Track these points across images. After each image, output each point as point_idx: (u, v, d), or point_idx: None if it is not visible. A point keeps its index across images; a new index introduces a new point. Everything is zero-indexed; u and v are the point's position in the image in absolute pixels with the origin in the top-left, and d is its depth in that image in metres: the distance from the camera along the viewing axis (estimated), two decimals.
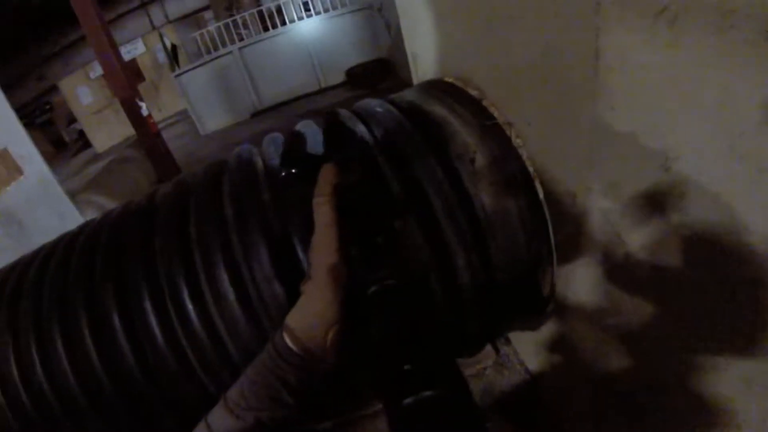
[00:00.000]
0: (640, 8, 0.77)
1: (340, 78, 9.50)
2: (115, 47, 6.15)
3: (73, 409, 1.16)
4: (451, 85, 1.47)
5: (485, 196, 1.14)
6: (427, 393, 0.54)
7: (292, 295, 1.05)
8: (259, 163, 1.29)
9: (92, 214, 4.75)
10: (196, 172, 1.40)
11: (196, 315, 1.11)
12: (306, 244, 1.07)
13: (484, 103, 1.33)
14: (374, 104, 1.35)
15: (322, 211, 0.76)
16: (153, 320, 1.13)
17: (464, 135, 1.20)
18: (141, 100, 6.41)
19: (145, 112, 6.34)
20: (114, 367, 1.14)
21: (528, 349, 1.95)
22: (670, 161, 0.81)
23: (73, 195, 4.44)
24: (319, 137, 1.10)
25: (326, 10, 9.50)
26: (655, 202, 0.89)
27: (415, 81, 2.02)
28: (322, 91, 9.78)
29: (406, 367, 0.57)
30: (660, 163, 0.83)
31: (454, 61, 1.57)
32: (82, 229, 1.42)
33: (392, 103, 1.37)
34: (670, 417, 1.08)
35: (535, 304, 1.35)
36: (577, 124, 1.04)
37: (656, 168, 0.85)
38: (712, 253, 0.79)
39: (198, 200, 1.25)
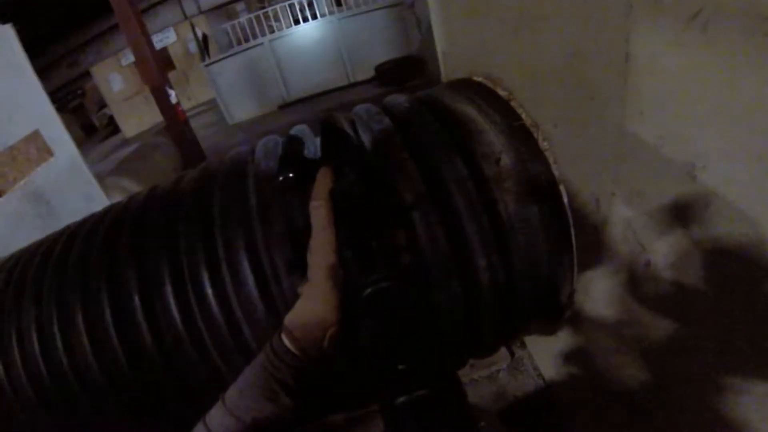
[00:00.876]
0: (672, 12, 0.76)
1: (369, 74, 9.44)
2: (147, 35, 6.20)
3: (91, 386, 1.19)
4: (480, 84, 1.46)
5: (509, 197, 1.14)
6: (420, 392, 0.54)
7: None
8: None
9: (119, 198, 4.75)
10: (222, 159, 1.42)
11: (214, 299, 1.13)
12: None
13: (513, 103, 1.32)
14: (401, 100, 1.35)
15: (319, 215, 0.77)
16: (172, 302, 1.15)
17: (491, 135, 1.20)
18: (170, 87, 6.47)
19: (174, 99, 6.40)
20: (132, 347, 1.16)
21: (543, 354, 1.94)
22: (696, 169, 0.80)
23: (101, 178, 4.50)
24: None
25: (357, 5, 9.53)
26: (680, 211, 0.88)
27: (444, 79, 2.01)
28: (350, 86, 9.78)
29: (400, 366, 0.57)
30: (686, 171, 0.82)
31: (483, 60, 1.56)
32: (107, 211, 1.45)
33: (419, 99, 1.37)
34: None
35: (552, 309, 1.34)
36: (603, 128, 1.03)
37: (682, 176, 0.83)
38: (738, 267, 0.77)
39: (223, 188, 1.27)
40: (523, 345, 2.08)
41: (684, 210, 0.86)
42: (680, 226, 0.88)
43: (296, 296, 1.04)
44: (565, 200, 1.20)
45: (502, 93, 1.36)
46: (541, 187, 1.17)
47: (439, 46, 2.02)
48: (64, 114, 16.88)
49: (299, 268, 1.07)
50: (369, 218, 0.84)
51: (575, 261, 1.25)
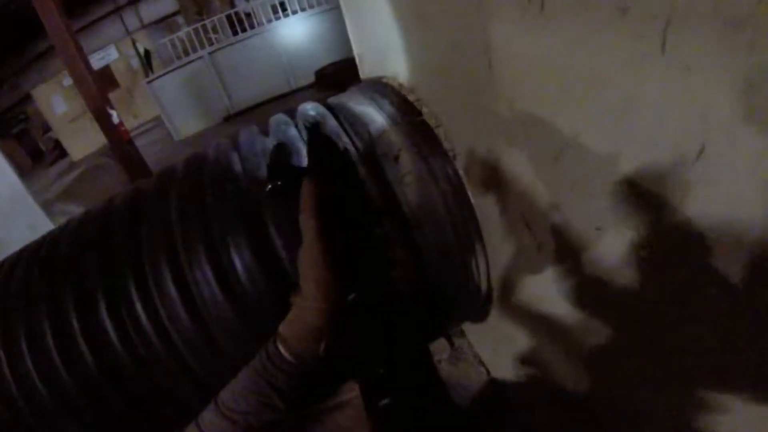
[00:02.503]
0: None
1: (311, 78, 9.41)
2: (84, 56, 6.05)
3: (42, 410, 1.24)
4: (385, 84, 1.54)
5: (410, 192, 1.21)
6: (403, 394, 0.57)
7: (229, 297, 1.17)
8: (208, 168, 1.36)
9: None
10: (149, 179, 1.47)
11: (144, 313, 1.19)
12: (240, 244, 1.17)
13: (414, 101, 1.40)
14: (309, 108, 1.41)
15: (309, 226, 0.77)
16: (107, 320, 1.21)
17: (390, 133, 1.27)
18: (112, 108, 6.31)
19: (116, 120, 6.26)
20: (73, 367, 1.22)
21: (483, 342, 1.98)
22: (558, 151, 0.85)
23: (46, 205, 4.45)
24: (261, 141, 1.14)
25: (294, 12, 9.47)
26: (554, 195, 0.93)
27: (363, 80, 2.05)
28: (292, 93, 9.72)
29: (380, 370, 0.60)
30: (552, 156, 0.87)
31: (390, 61, 1.62)
32: (46, 237, 1.49)
33: (327, 105, 1.44)
34: None
35: (472, 297, 1.41)
36: (484, 117, 1.08)
37: (549, 160, 0.88)
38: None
39: (148, 206, 1.33)
40: (462, 333, 2.15)
41: (557, 193, 0.92)
42: (557, 209, 0.94)
43: (217, 305, 1.13)
44: (468, 188, 1.28)
45: (405, 93, 1.44)
46: (443, 179, 1.24)
47: (356, 48, 2.09)
48: (8, 140, 16.41)
49: (217, 277, 1.16)
50: (359, 225, 0.87)
51: (486, 248, 1.32)
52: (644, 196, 0.72)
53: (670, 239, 0.71)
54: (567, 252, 0.98)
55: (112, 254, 1.27)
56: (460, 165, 1.29)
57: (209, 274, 1.17)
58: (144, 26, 14.48)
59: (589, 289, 0.96)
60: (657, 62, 0.58)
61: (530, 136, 0.93)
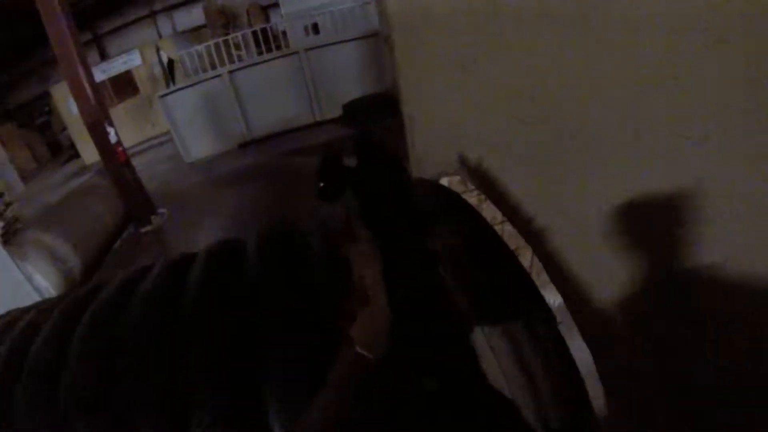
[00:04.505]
0: None
1: (337, 111, 8.83)
2: (86, 66, 5.53)
3: None
4: (462, 206, 1.03)
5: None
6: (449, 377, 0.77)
7: None
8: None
9: (41, 257, 4.22)
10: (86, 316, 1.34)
11: None
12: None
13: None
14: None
15: (373, 289, 0.89)
16: None
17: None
18: (110, 125, 5.83)
19: (113, 138, 5.69)
20: None
21: None
22: None
23: (23, 231, 4.02)
24: None
25: (326, 34, 9.02)
26: None
27: (410, 146, 1.78)
28: (316, 125, 9.15)
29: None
30: None
31: (461, 137, 1.18)
32: None
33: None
34: None
35: None
36: None
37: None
38: None
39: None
40: None
41: None
42: None
43: None
44: None
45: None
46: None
47: (405, 108, 1.63)
48: (31, 131, 17.08)
49: None
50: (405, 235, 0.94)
51: None
52: None
53: None
54: None
55: None
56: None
57: None
58: (175, 34, 14.54)
59: None
60: None
61: None
